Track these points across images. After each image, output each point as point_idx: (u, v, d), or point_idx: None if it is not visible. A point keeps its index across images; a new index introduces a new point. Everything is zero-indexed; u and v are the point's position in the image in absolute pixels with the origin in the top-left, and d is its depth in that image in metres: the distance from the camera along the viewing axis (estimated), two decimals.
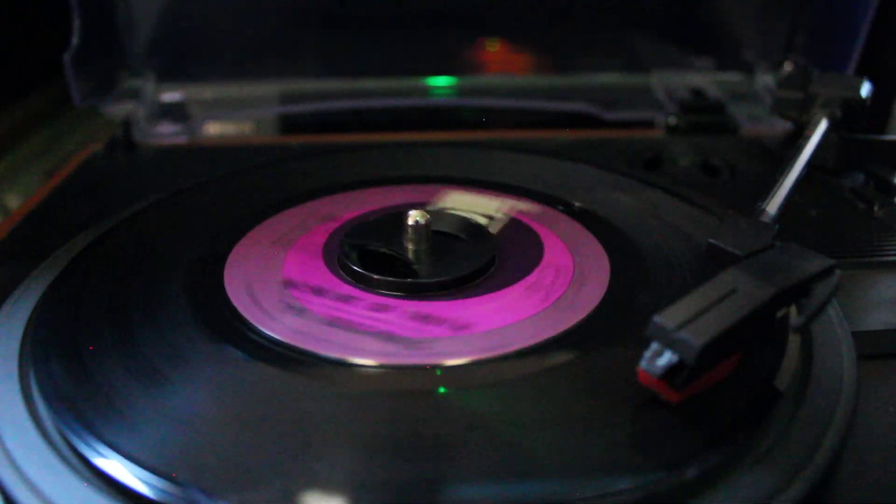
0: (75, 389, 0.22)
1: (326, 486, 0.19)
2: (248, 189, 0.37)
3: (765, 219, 0.27)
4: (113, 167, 0.44)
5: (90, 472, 0.20)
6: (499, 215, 0.31)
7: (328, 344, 0.24)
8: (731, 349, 0.21)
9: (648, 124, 0.50)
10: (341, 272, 0.28)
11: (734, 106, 0.50)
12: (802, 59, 0.51)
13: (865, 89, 0.38)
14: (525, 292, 0.27)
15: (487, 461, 0.19)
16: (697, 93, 0.52)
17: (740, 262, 0.23)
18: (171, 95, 0.51)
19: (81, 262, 0.29)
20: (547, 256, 0.29)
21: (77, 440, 0.20)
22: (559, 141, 0.46)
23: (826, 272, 0.22)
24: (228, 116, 0.51)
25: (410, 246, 0.29)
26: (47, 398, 0.22)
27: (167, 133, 0.48)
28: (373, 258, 0.28)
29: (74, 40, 0.44)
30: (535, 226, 0.32)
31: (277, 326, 0.25)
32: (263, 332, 0.24)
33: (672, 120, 0.49)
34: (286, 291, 0.27)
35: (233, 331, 0.25)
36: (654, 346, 0.20)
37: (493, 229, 0.31)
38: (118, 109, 0.48)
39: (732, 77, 0.54)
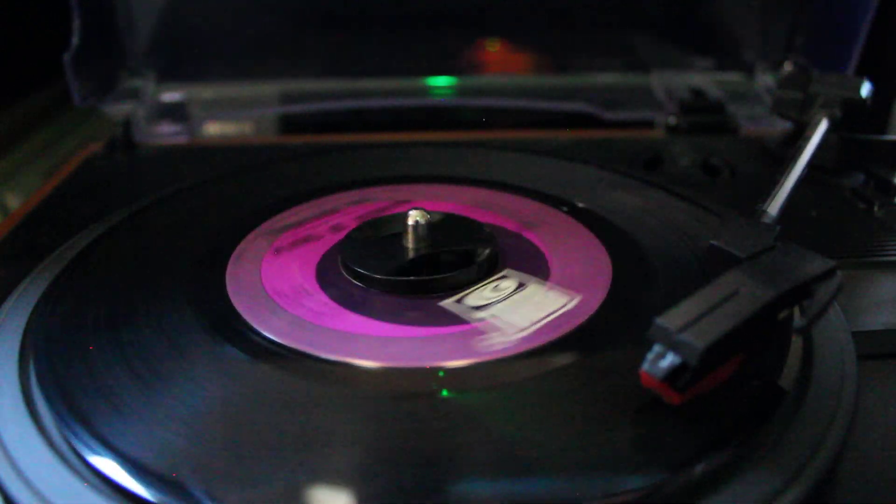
0: (75, 389, 0.22)
1: (326, 487, 0.19)
2: (248, 189, 0.37)
3: (765, 220, 0.27)
4: (113, 167, 0.44)
5: (90, 473, 0.20)
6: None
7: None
8: (734, 351, 0.21)
9: (648, 124, 0.50)
10: (343, 272, 0.28)
11: (734, 106, 0.50)
12: (802, 59, 0.51)
13: (865, 89, 0.38)
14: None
15: (490, 463, 0.19)
16: (697, 93, 0.52)
17: (742, 264, 0.23)
18: (171, 95, 0.51)
19: (81, 262, 0.29)
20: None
21: (77, 440, 0.20)
22: (559, 141, 0.46)
23: (828, 274, 0.22)
24: (228, 116, 0.51)
25: (411, 246, 0.29)
26: (47, 398, 0.22)
27: (167, 133, 0.48)
28: (374, 258, 0.28)
29: (74, 40, 0.44)
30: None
31: (278, 327, 0.25)
32: (263, 333, 0.24)
33: (672, 120, 0.49)
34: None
35: (233, 331, 0.25)
36: (657, 348, 0.20)
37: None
38: (118, 109, 0.48)
39: (732, 77, 0.54)
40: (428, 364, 0.23)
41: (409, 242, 0.29)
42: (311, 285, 0.27)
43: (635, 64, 0.54)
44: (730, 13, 0.53)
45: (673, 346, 0.20)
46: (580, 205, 0.34)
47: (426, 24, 0.52)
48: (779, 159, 0.31)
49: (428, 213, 0.29)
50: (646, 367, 0.20)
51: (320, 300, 0.26)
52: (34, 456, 0.20)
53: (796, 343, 0.24)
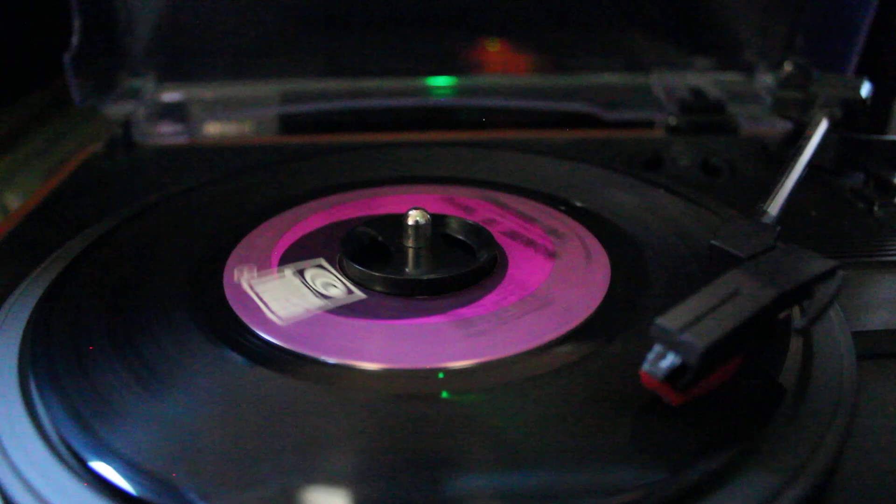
0: (74, 391, 0.22)
1: (325, 489, 0.19)
2: (247, 190, 0.37)
3: (766, 220, 0.27)
4: (113, 167, 0.44)
5: (88, 474, 0.20)
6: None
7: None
8: (734, 351, 0.21)
9: (648, 124, 0.50)
10: (342, 273, 0.28)
11: (734, 106, 0.50)
12: (802, 59, 0.51)
13: (865, 89, 0.38)
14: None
15: (490, 463, 0.19)
16: (697, 93, 0.52)
17: (743, 264, 0.23)
18: (171, 95, 0.51)
19: (81, 263, 0.29)
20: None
21: (76, 442, 0.20)
22: (559, 141, 0.46)
23: (828, 274, 0.22)
24: (228, 116, 0.51)
25: (411, 246, 0.29)
26: (46, 399, 0.22)
27: (167, 133, 0.48)
28: (374, 259, 0.28)
29: (74, 40, 0.44)
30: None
31: (276, 329, 0.25)
32: (262, 336, 0.24)
33: (672, 120, 0.49)
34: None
35: (231, 333, 0.25)
36: (657, 348, 0.20)
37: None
38: (118, 109, 0.48)
39: (732, 77, 0.54)
40: (428, 365, 0.23)
41: (410, 242, 0.29)
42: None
43: (635, 64, 0.54)
44: (730, 13, 0.53)
45: (673, 346, 0.20)
46: (578, 204, 0.34)
47: (426, 24, 0.52)
48: (779, 159, 0.31)
49: (428, 213, 0.29)
50: (646, 367, 0.20)
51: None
52: (33, 457, 0.20)
53: (796, 343, 0.24)
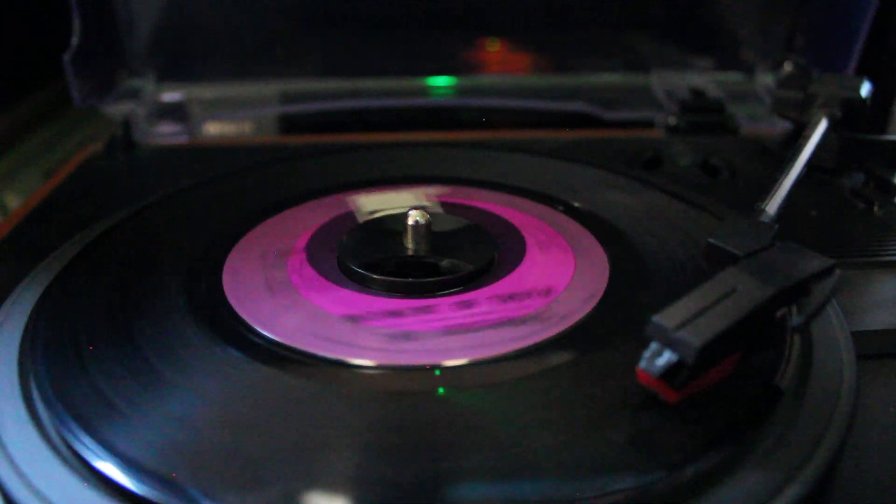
0: (75, 390, 0.22)
1: (326, 487, 0.19)
2: (247, 189, 0.37)
3: (764, 219, 0.27)
4: (113, 167, 0.44)
5: (89, 473, 0.20)
6: (427, 203, 0.30)
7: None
8: (731, 349, 0.21)
9: (648, 124, 0.50)
10: (341, 273, 0.28)
11: (734, 106, 0.50)
12: (802, 59, 0.51)
13: (865, 89, 0.38)
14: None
15: (486, 462, 0.19)
16: (697, 93, 0.52)
17: (740, 262, 0.23)
18: (171, 95, 0.51)
19: (81, 262, 0.29)
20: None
21: (76, 441, 0.20)
22: (559, 141, 0.46)
23: (826, 272, 0.22)
24: (228, 116, 0.51)
25: (410, 246, 0.29)
26: (47, 398, 0.22)
27: (167, 133, 0.48)
28: (374, 258, 0.28)
29: (74, 40, 0.44)
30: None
31: (277, 327, 0.25)
32: (262, 333, 0.25)
33: (672, 120, 0.49)
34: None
35: (232, 332, 0.25)
36: (654, 345, 0.20)
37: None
38: (118, 109, 0.48)
39: (732, 77, 0.54)
40: (426, 363, 0.23)
41: (409, 242, 0.29)
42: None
43: (635, 64, 0.54)
44: (730, 13, 0.53)
45: (670, 343, 0.20)
46: (577, 204, 0.34)
47: (426, 24, 0.52)
48: (779, 159, 0.31)
49: (428, 213, 0.29)
50: (643, 364, 0.20)
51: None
52: (34, 456, 0.20)
53: (796, 342, 0.24)
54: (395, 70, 0.53)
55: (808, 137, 0.33)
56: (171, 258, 0.29)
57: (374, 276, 0.27)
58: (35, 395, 0.22)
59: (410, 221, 0.28)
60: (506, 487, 0.19)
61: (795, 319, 0.22)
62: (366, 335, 0.24)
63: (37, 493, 0.19)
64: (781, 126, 0.47)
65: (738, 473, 0.19)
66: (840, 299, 0.26)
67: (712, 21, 0.54)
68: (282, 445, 0.20)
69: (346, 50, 0.53)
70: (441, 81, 0.53)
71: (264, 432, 0.20)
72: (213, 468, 0.19)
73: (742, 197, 0.32)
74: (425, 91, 0.53)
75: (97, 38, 0.46)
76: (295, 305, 0.26)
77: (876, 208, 0.36)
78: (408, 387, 0.22)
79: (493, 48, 0.54)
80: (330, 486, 0.19)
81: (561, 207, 0.33)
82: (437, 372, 0.23)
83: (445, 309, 0.26)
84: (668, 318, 0.20)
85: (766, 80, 0.53)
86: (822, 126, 0.35)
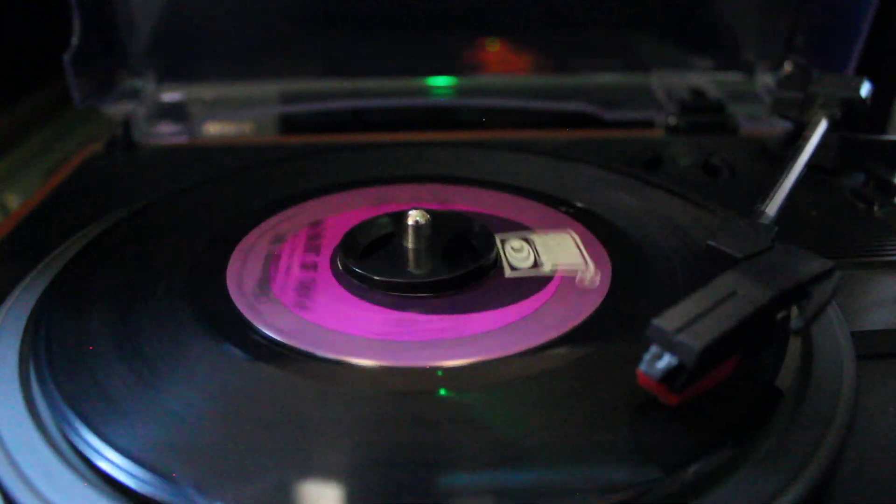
0: (75, 389, 0.22)
1: (323, 485, 0.19)
2: (248, 188, 0.37)
3: (764, 220, 0.27)
4: (113, 167, 0.44)
5: (90, 471, 0.20)
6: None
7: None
8: (731, 352, 0.21)
9: (648, 124, 0.50)
10: (342, 272, 0.28)
11: (734, 106, 0.50)
12: (802, 59, 0.51)
13: (865, 89, 0.38)
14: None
15: (487, 463, 0.19)
16: (697, 93, 0.52)
17: (739, 265, 0.23)
18: (171, 95, 0.51)
19: (81, 262, 0.29)
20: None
21: (77, 439, 0.20)
22: (559, 141, 0.46)
23: (826, 274, 0.22)
24: (228, 116, 0.51)
25: (411, 246, 0.29)
26: (47, 397, 0.22)
27: (167, 133, 0.48)
28: (374, 258, 0.28)
29: (74, 40, 0.44)
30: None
31: (277, 326, 0.25)
32: (263, 332, 0.25)
33: (672, 120, 0.49)
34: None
35: (233, 331, 0.25)
36: (654, 348, 0.20)
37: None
38: (118, 109, 0.48)
39: (732, 77, 0.54)
40: (427, 363, 0.23)
41: (410, 242, 0.29)
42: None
43: (635, 64, 0.54)
44: (730, 13, 0.53)
45: (670, 346, 0.20)
46: (579, 205, 0.34)
47: (426, 24, 0.52)
48: (779, 159, 0.31)
49: (428, 212, 0.29)
50: (643, 367, 0.20)
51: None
52: (34, 455, 0.20)
53: (796, 343, 0.24)
54: (395, 70, 0.53)
55: (807, 137, 0.33)
56: (172, 257, 0.29)
57: (375, 277, 0.27)
58: (35, 393, 0.22)
59: (410, 221, 0.28)
60: (506, 489, 0.19)
61: (795, 321, 0.22)
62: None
63: (36, 491, 0.19)
64: (781, 126, 0.47)
65: (739, 474, 0.19)
66: (840, 299, 0.26)
67: (712, 21, 0.54)
68: (282, 445, 0.20)
69: (345, 50, 0.53)
70: (441, 81, 0.53)
71: (265, 431, 0.20)
72: (212, 465, 0.19)
73: (742, 197, 0.32)
74: (425, 91, 0.53)
75: (97, 38, 0.46)
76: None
77: (876, 208, 0.36)
78: (409, 387, 0.22)
79: (493, 48, 0.54)
80: (330, 486, 0.19)
81: (562, 207, 0.33)
82: (440, 373, 0.23)
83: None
84: (667, 321, 0.20)
85: (766, 80, 0.53)
86: (822, 126, 0.35)
